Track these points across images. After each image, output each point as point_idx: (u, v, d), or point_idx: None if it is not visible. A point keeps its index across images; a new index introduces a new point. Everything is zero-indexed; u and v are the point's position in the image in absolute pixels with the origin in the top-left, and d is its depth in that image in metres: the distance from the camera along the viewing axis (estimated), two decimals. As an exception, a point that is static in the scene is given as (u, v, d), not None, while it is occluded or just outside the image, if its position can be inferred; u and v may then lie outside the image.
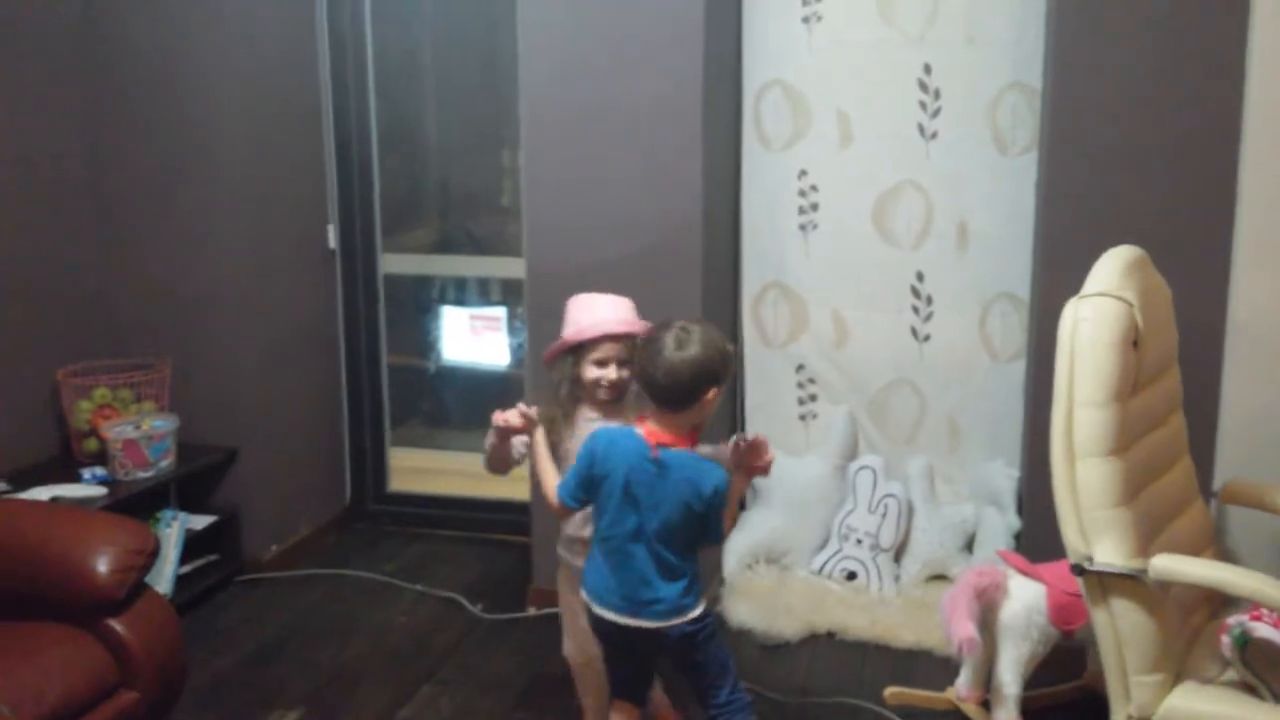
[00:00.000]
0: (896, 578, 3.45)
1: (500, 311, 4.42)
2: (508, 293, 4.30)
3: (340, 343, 4.10)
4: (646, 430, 2.15)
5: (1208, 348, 2.82)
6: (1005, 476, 3.45)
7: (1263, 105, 2.76)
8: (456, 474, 4.25)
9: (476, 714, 2.87)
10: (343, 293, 4.07)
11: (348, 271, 4.06)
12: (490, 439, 2.35)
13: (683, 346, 2.10)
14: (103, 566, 2.27)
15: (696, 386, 2.11)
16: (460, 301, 4.45)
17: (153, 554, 2.36)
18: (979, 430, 3.56)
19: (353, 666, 3.11)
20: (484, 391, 4.35)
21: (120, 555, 2.29)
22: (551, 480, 2.26)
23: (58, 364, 3.43)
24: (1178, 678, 2.05)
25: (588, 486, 2.19)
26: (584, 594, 2.25)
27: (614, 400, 2.35)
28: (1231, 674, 2.14)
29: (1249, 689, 2.07)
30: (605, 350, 2.30)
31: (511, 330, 4.29)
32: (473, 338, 4.39)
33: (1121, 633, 2.02)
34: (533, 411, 2.28)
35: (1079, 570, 2.01)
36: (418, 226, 4.38)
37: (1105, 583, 2.01)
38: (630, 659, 2.27)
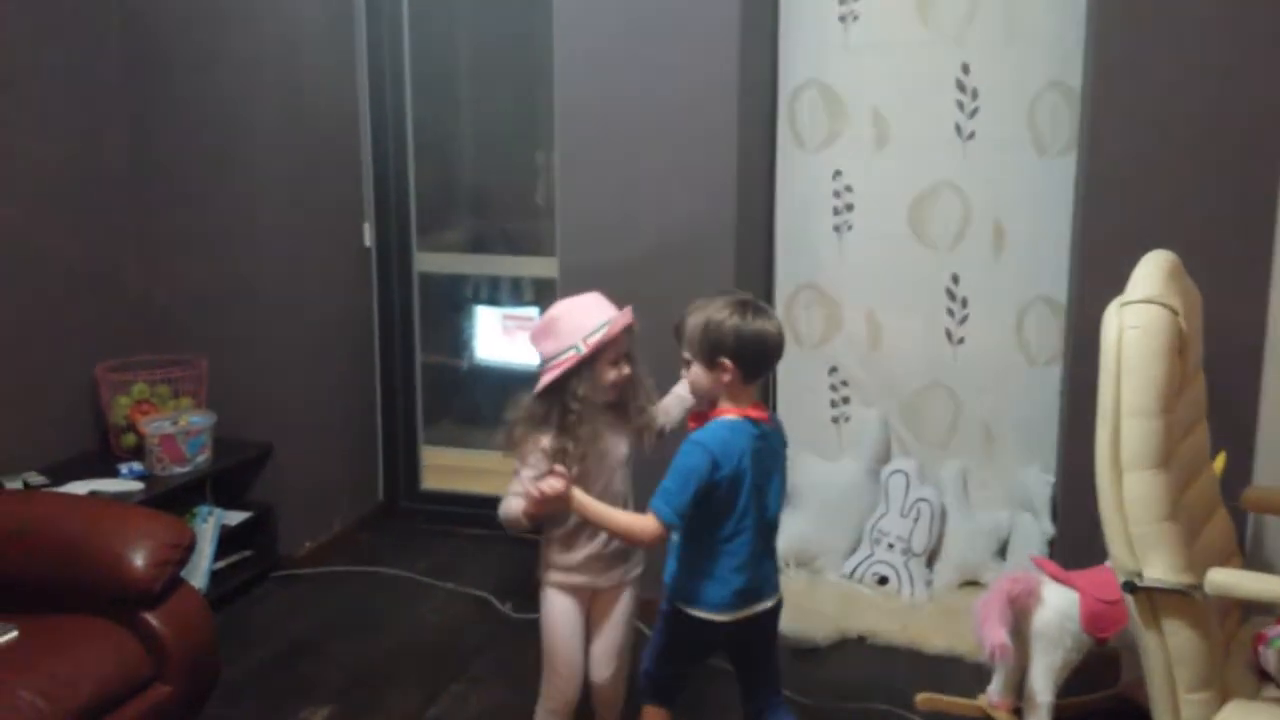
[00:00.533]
0: (928, 583, 3.42)
1: (533, 312, 4.43)
2: (540, 293, 4.31)
3: (375, 340, 4.12)
4: (745, 411, 2.10)
5: (1248, 357, 2.78)
6: (1040, 482, 3.41)
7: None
8: (488, 473, 4.26)
9: (506, 712, 2.87)
10: (378, 291, 4.09)
11: (383, 269, 4.08)
12: (520, 508, 2.17)
13: (768, 315, 2.10)
14: (139, 560, 2.29)
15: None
16: (493, 301, 4.47)
17: (189, 548, 2.39)
18: (1014, 435, 3.53)
19: (383, 664, 3.13)
20: (517, 389, 4.36)
21: (157, 549, 2.31)
22: (621, 517, 2.13)
23: (96, 360, 3.48)
24: (1224, 694, 2.01)
25: (703, 498, 2.06)
26: (703, 612, 2.14)
27: (619, 401, 2.30)
28: (1273, 689, 2.10)
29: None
30: (620, 345, 2.23)
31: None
32: (505, 338, 4.42)
33: (1172, 651, 1.95)
34: (565, 473, 2.12)
35: (1130, 588, 1.94)
36: (452, 227, 4.40)
37: (1155, 600, 1.94)
38: (708, 654, 2.27)
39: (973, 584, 3.43)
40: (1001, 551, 3.45)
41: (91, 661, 2.20)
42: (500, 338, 4.44)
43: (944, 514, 3.47)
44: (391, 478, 4.22)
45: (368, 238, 4.01)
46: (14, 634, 2.22)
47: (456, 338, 4.45)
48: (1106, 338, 1.96)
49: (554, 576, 2.37)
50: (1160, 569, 1.92)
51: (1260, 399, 2.78)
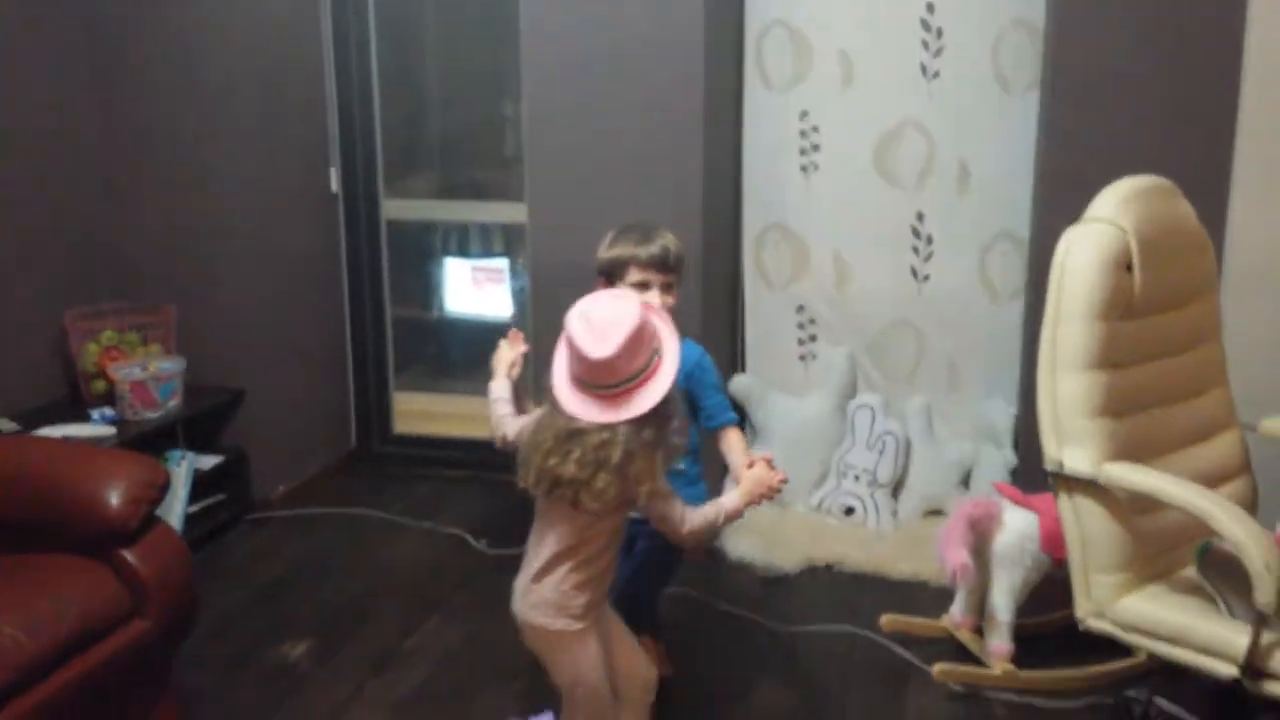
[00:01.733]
0: (894, 513, 3.50)
1: (502, 263, 4.43)
2: (509, 244, 4.33)
3: (344, 286, 4.13)
4: None
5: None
6: (1003, 414, 3.50)
7: (1263, 43, 2.76)
8: (460, 417, 4.31)
9: (482, 643, 2.93)
10: (345, 236, 4.09)
11: (350, 215, 4.08)
12: (737, 506, 2.02)
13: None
14: (114, 499, 2.31)
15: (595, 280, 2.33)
16: (462, 252, 4.47)
17: (163, 487, 2.40)
18: (977, 369, 3.60)
19: (361, 600, 3.18)
20: (487, 339, 4.39)
21: (131, 488, 2.33)
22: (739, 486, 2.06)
23: (64, 308, 3.47)
24: (1153, 581, 2.15)
25: None
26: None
27: None
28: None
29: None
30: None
31: (514, 274, 4.31)
32: (475, 289, 4.42)
33: (1085, 533, 2.15)
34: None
35: (1051, 474, 2.13)
36: (419, 175, 4.38)
37: (1071, 485, 2.14)
38: None
39: (937, 513, 3.51)
40: (965, 481, 3.54)
41: (71, 597, 2.22)
42: (470, 289, 4.45)
43: (909, 446, 3.54)
44: (364, 422, 4.25)
45: (334, 183, 4.00)
46: (-10, 571, 2.24)
47: (425, 288, 4.46)
48: (1055, 255, 2.14)
49: (581, 620, 2.07)
50: (1078, 460, 2.12)
51: (1222, 325, 2.85)
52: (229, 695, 2.70)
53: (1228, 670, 2.01)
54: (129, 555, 2.33)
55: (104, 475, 2.34)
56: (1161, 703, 2.47)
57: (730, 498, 2.03)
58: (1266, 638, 1.96)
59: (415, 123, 4.30)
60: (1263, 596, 1.90)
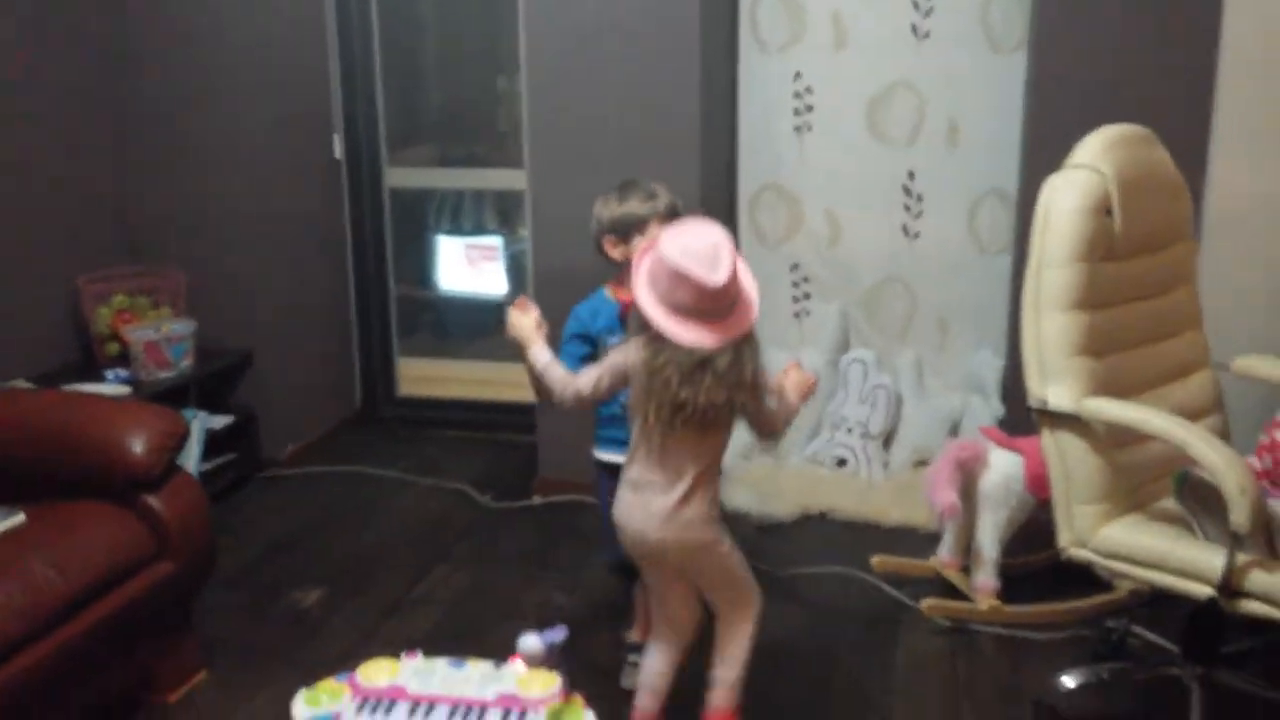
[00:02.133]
0: (885, 464, 3.61)
1: (496, 241, 4.49)
2: (505, 215, 4.41)
3: (348, 251, 4.21)
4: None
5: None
6: (990, 366, 3.60)
7: (1240, 11, 2.86)
8: (463, 381, 4.41)
9: (488, 589, 3.05)
10: (349, 203, 4.17)
11: (354, 181, 4.16)
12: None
13: (602, 196, 2.35)
14: (138, 447, 2.41)
15: (596, 236, 2.36)
16: (456, 227, 4.52)
17: (183, 436, 2.51)
18: (966, 323, 3.70)
19: (370, 551, 3.29)
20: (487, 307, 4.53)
21: (154, 436, 2.43)
22: None
23: (76, 273, 3.55)
24: (1132, 512, 2.24)
25: None
26: None
27: None
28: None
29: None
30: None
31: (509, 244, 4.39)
32: (469, 268, 4.49)
33: (1067, 466, 2.24)
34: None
35: (1035, 410, 2.22)
36: (418, 147, 4.45)
37: (1054, 421, 2.23)
38: None
39: (926, 464, 3.59)
40: (954, 432, 3.64)
41: (99, 539, 2.33)
42: (464, 268, 4.49)
43: (900, 400, 3.65)
44: (369, 384, 4.35)
45: (338, 150, 4.08)
46: (21, 518, 2.33)
47: (423, 262, 4.53)
48: (1039, 201, 2.22)
49: (720, 521, 2.19)
50: (1060, 397, 2.20)
51: (1199, 270, 2.95)
52: (247, 639, 2.81)
53: (1204, 591, 2.09)
54: (152, 500, 2.44)
55: (127, 425, 2.44)
56: (1139, 630, 2.59)
57: (785, 400, 2.16)
58: (1241, 559, 2.05)
59: (413, 95, 4.38)
60: (1238, 518, 1.99)
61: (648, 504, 2.07)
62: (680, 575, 2.18)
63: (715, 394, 1.96)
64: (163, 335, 3.40)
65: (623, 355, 2.07)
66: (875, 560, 3.03)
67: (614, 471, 2.25)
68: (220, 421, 3.65)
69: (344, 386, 4.29)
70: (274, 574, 3.14)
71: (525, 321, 2.18)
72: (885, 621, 2.84)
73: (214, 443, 3.61)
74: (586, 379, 2.11)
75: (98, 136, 3.66)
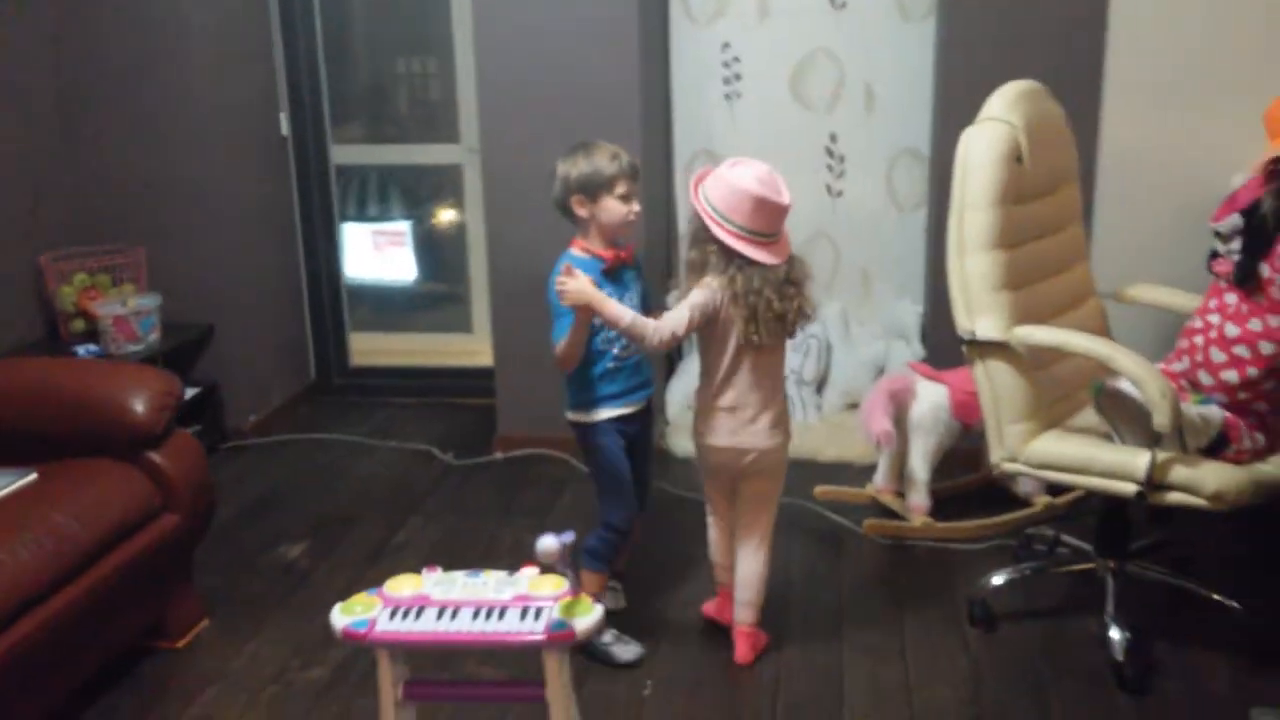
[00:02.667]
0: (819, 407, 3.91)
1: (404, 226, 4.63)
2: (414, 203, 4.57)
3: (297, 227, 4.35)
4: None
5: (1084, 176, 3.28)
6: (911, 313, 3.91)
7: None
8: (409, 353, 4.60)
9: (463, 534, 3.26)
10: (296, 179, 4.31)
11: (300, 158, 4.29)
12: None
13: (561, 157, 2.50)
14: (140, 406, 2.56)
15: (563, 196, 2.50)
16: (363, 213, 4.66)
17: (181, 396, 2.67)
18: (887, 274, 4.01)
19: (345, 508, 3.47)
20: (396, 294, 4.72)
21: (155, 397, 2.59)
22: None
23: (33, 253, 3.63)
24: (1052, 427, 2.54)
25: None
26: None
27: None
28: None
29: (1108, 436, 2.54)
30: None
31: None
32: (375, 254, 4.62)
33: (996, 390, 2.50)
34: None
35: (966, 340, 2.48)
36: (353, 123, 4.59)
37: (983, 350, 2.49)
38: None
39: (856, 406, 3.89)
40: (880, 376, 3.93)
41: (110, 494, 2.48)
42: (370, 254, 4.61)
43: (829, 347, 3.94)
44: (322, 356, 4.49)
45: (284, 127, 4.21)
46: (33, 476, 2.48)
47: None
48: (957, 153, 2.48)
49: None
50: (988, 328, 2.47)
51: (1094, 210, 3.29)
52: (240, 589, 2.98)
53: (1130, 488, 2.36)
54: (156, 457, 2.60)
55: (129, 386, 2.60)
56: (1061, 536, 2.92)
57: None
58: (1161, 456, 2.35)
59: (349, 73, 4.52)
60: (1160, 419, 2.27)
61: (752, 421, 2.43)
62: (735, 484, 2.54)
63: (797, 300, 2.34)
64: (130, 310, 3.52)
65: (709, 294, 2.35)
66: (818, 490, 3.33)
67: (618, 428, 2.54)
68: (188, 393, 3.77)
69: (298, 358, 4.43)
70: (256, 532, 3.31)
71: (585, 285, 2.36)
72: (830, 543, 3.13)
73: (181, 414, 3.72)
74: (678, 320, 2.36)
75: (45, 121, 3.73)
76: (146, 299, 3.61)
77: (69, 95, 3.77)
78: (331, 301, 4.46)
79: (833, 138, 3.92)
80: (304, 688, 2.55)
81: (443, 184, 4.63)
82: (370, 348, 4.60)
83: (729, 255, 2.32)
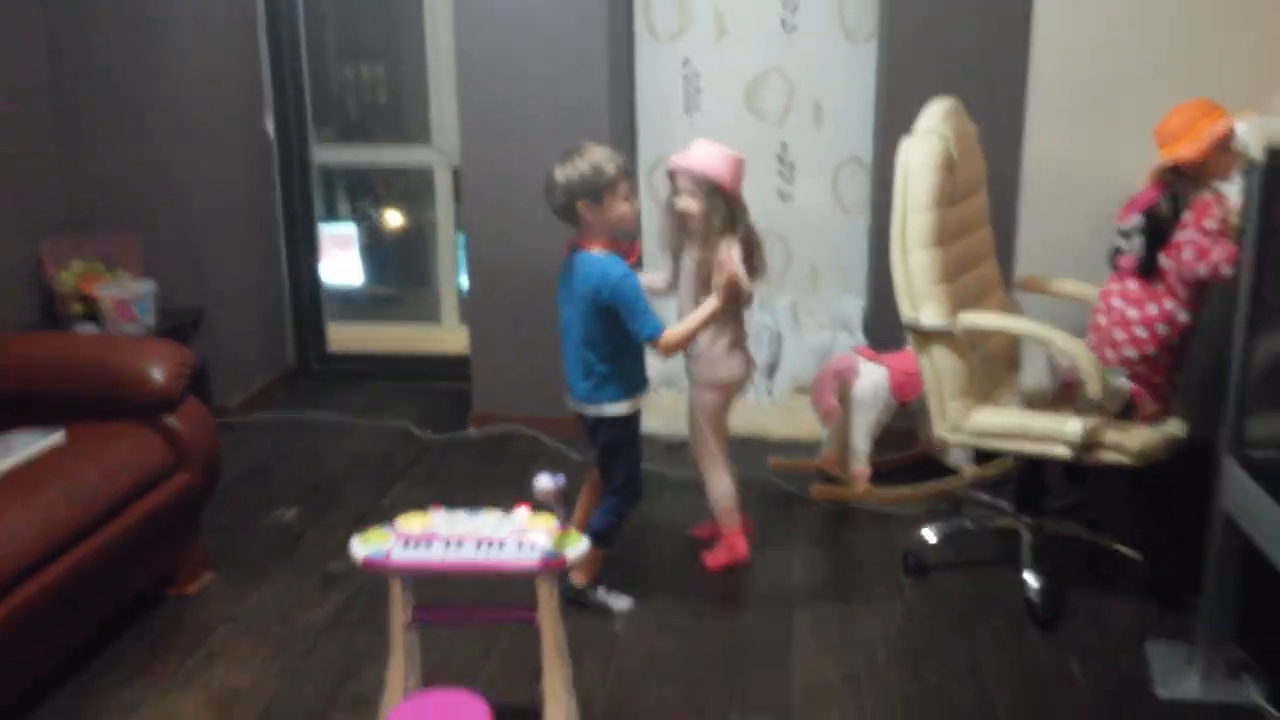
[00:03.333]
0: (769, 391, 4.25)
1: (349, 229, 4.90)
2: (409, 190, 4.85)
3: (280, 220, 4.60)
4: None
5: (1010, 182, 3.67)
6: (854, 307, 4.27)
7: (1046, 9, 3.58)
8: (385, 340, 4.87)
9: (447, 498, 3.35)
10: (279, 176, 4.56)
11: (284, 157, 4.55)
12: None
13: (558, 164, 2.68)
14: (158, 374, 2.81)
15: (568, 201, 2.66)
16: (356, 194, 4.93)
17: (193, 365, 2.93)
18: (833, 271, 4.36)
19: (332, 477, 3.73)
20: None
21: (171, 366, 2.84)
22: None
23: (29, 240, 3.86)
24: (985, 401, 2.89)
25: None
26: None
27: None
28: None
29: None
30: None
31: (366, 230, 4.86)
32: (330, 254, 4.86)
33: (938, 370, 2.83)
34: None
35: (911, 328, 2.80)
36: (328, 125, 4.88)
37: (927, 336, 2.81)
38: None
39: (804, 390, 4.26)
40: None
41: (132, 452, 2.73)
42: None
43: (780, 336, 4.29)
44: (301, 343, 4.75)
45: (270, 128, 4.47)
46: (61, 436, 2.72)
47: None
48: (898, 161, 2.79)
49: None
50: (930, 316, 2.79)
51: (1018, 212, 3.68)
52: (242, 549, 3.23)
53: (1064, 450, 2.70)
54: (172, 421, 2.86)
55: (147, 356, 2.85)
56: (977, 495, 3.27)
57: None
58: (1091, 421, 2.69)
59: (328, 77, 4.80)
60: (1094, 388, 2.62)
61: (747, 348, 2.99)
62: None
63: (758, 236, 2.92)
64: (130, 294, 3.76)
65: (731, 250, 2.80)
66: (772, 462, 3.66)
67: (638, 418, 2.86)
68: (178, 373, 4.01)
69: (277, 345, 4.68)
70: (251, 499, 3.56)
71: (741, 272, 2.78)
72: (782, 506, 3.46)
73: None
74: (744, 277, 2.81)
75: (46, 115, 3.96)
76: (144, 284, 3.84)
77: (67, 91, 3.99)
78: (311, 291, 4.71)
79: (784, 147, 4.27)
80: (306, 627, 2.82)
81: (412, 185, 4.93)
82: (346, 337, 4.86)
83: (731, 213, 2.80)
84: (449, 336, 4.85)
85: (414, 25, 4.53)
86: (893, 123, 3.68)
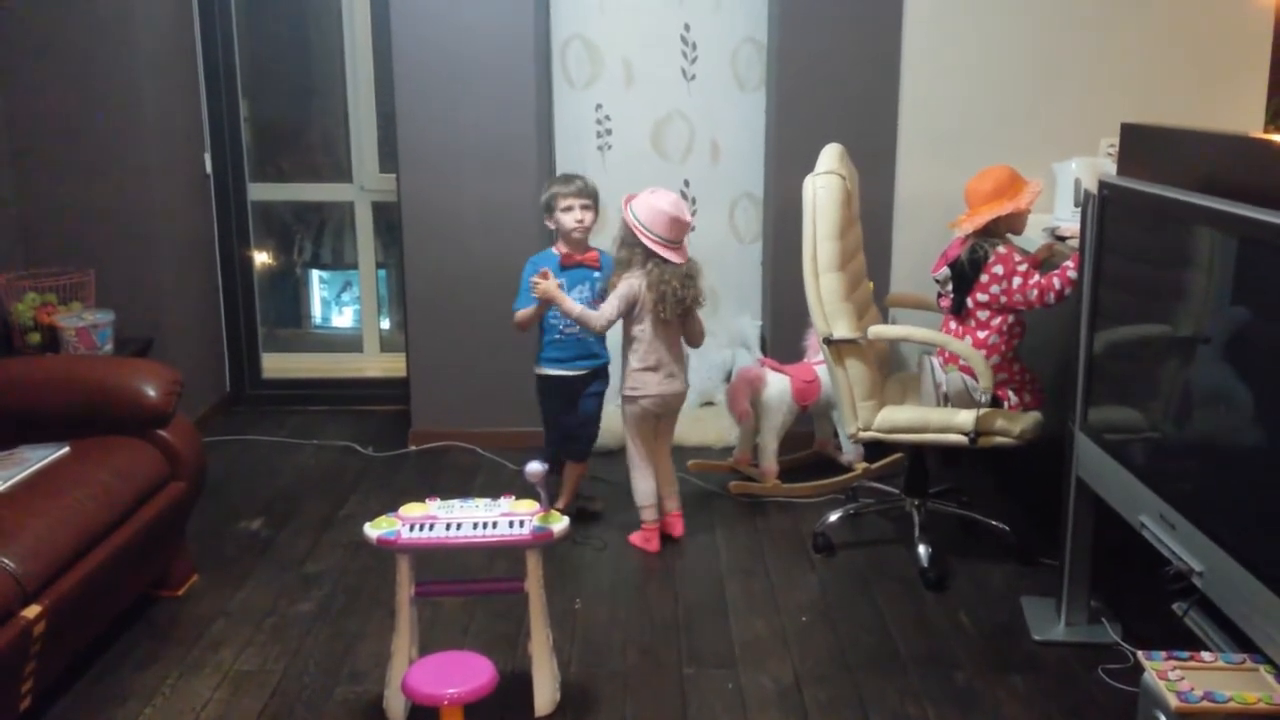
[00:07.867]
0: (681, 403, 4.73)
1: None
2: (328, 222, 5.21)
3: (217, 256, 4.87)
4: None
5: (885, 211, 4.25)
6: (751, 326, 4.77)
7: (912, 51, 4.17)
8: (316, 370, 5.17)
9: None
10: (217, 214, 4.84)
11: (220, 195, 4.83)
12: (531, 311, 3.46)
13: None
14: (153, 392, 3.11)
15: (542, 214, 3.58)
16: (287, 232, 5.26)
17: (182, 383, 3.22)
18: (731, 295, 4.88)
19: (289, 490, 4.04)
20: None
21: (163, 384, 3.14)
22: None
23: (-16, 273, 4.06)
24: (883, 403, 3.40)
25: None
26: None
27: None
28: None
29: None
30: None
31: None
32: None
33: (850, 376, 3.31)
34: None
35: (827, 342, 3.28)
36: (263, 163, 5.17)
37: (840, 347, 3.29)
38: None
39: (709, 404, 4.76)
40: (727, 378, 4.78)
41: (134, 463, 3.02)
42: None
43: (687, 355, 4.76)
44: (237, 371, 5.00)
45: (208, 166, 4.74)
46: (66, 450, 2.98)
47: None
48: (806, 196, 3.28)
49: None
50: (841, 329, 3.28)
51: (893, 239, 4.26)
52: (217, 553, 3.52)
53: (960, 439, 3.22)
54: (165, 434, 3.15)
55: (141, 375, 3.14)
56: (871, 485, 3.81)
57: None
58: (982, 412, 3.22)
59: (268, 119, 5.10)
60: (985, 383, 3.15)
61: (671, 375, 3.42)
62: (656, 423, 3.53)
63: (693, 290, 3.27)
64: (90, 323, 3.99)
65: (629, 286, 3.31)
66: (691, 464, 4.14)
67: (555, 383, 3.46)
68: (129, 399, 4.24)
69: (214, 373, 4.92)
70: (214, 513, 3.81)
71: (551, 286, 3.35)
72: (702, 501, 3.93)
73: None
74: (610, 309, 3.34)
75: None
76: (102, 314, 4.07)
77: (20, 137, 4.20)
78: (247, 320, 4.98)
79: (686, 183, 4.78)
80: (297, 617, 3.14)
81: (332, 220, 5.29)
82: (277, 366, 5.14)
83: (648, 255, 3.27)
84: (370, 364, 5.20)
85: (334, 65, 4.90)
86: (783, 161, 4.25)
